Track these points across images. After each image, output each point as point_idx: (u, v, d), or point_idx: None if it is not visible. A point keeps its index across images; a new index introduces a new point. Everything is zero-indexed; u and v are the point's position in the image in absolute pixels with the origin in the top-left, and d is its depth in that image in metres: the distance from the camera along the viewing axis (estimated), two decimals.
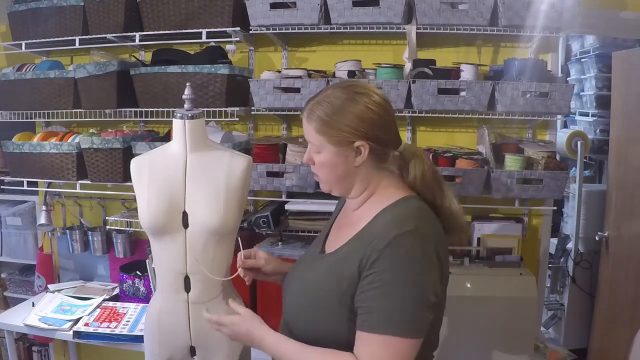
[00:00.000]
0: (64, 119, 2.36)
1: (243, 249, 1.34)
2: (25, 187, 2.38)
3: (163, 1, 2.18)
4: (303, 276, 1.20)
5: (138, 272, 2.39)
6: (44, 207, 2.50)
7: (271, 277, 1.38)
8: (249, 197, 2.27)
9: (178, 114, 1.52)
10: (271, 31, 2.09)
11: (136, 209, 1.63)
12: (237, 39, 2.16)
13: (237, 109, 2.14)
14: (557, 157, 2.40)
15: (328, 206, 2.03)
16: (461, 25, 1.95)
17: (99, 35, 2.28)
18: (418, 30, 1.98)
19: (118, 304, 2.34)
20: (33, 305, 2.31)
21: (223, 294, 1.54)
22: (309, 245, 1.47)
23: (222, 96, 2.10)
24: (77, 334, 2.10)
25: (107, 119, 2.31)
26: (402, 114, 2.08)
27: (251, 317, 1.20)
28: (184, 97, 1.54)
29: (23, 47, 2.41)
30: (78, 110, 2.30)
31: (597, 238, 2.63)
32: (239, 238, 1.38)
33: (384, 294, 0.99)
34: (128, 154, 2.09)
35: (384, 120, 1.11)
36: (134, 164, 1.58)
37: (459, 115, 2.06)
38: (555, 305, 3.23)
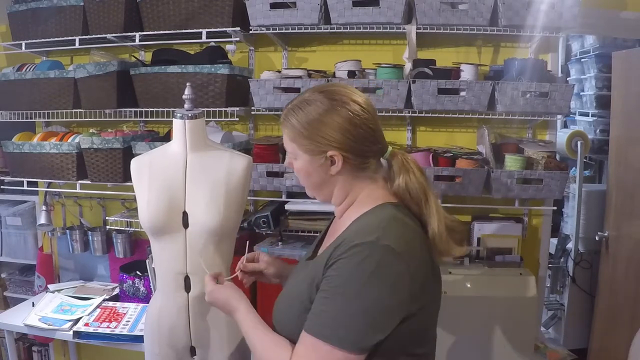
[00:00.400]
0: (64, 119, 2.36)
1: (248, 253, 1.34)
2: (25, 187, 2.38)
3: (163, 1, 2.18)
4: (290, 281, 1.21)
5: (138, 272, 2.39)
6: (44, 207, 2.49)
7: (273, 280, 1.38)
8: (249, 197, 2.27)
9: (178, 114, 1.52)
10: (271, 31, 2.09)
11: (136, 209, 1.63)
12: (237, 39, 2.16)
13: (237, 109, 2.14)
14: (557, 157, 2.40)
15: (328, 206, 2.02)
16: (461, 25, 1.95)
17: (99, 35, 2.28)
18: (418, 30, 1.98)
19: (118, 304, 2.34)
20: (33, 305, 2.31)
21: None
22: (309, 245, 1.46)
23: (222, 96, 2.10)
24: (77, 334, 2.10)
25: (107, 119, 2.31)
26: (402, 114, 2.08)
27: (233, 289, 1.22)
28: (184, 97, 1.54)
29: (23, 47, 2.41)
30: (78, 110, 2.30)
31: (597, 238, 2.63)
32: (247, 242, 1.38)
33: (325, 298, 0.98)
34: (128, 154, 2.09)
35: (362, 130, 1.06)
36: (134, 164, 1.58)
37: (459, 115, 2.06)
38: (555, 305, 3.23)
